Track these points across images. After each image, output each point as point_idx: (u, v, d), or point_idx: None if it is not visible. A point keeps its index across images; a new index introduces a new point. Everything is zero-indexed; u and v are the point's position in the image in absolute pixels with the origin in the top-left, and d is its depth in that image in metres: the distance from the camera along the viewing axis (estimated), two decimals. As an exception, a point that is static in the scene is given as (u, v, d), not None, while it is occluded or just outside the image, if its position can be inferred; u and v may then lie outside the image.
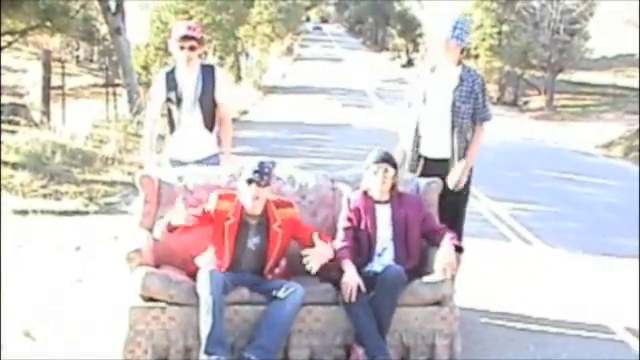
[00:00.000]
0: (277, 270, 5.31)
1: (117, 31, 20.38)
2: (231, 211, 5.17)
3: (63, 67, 25.35)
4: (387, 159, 5.49)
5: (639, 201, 11.18)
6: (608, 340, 6.07)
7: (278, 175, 5.89)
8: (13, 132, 15.13)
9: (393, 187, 5.51)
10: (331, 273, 5.23)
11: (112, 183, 11.71)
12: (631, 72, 38.52)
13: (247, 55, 39.25)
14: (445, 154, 6.02)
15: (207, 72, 6.28)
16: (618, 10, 40.62)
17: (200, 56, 6.32)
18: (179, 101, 6.20)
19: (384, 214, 5.49)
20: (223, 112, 6.42)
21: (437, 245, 5.36)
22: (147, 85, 24.68)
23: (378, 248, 5.43)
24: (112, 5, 20.14)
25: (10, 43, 20.07)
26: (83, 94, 30.70)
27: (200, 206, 5.29)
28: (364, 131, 18.95)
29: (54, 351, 5.41)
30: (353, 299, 5.02)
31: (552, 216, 10.97)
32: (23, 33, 19.61)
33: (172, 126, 6.36)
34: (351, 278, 5.08)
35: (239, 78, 33.69)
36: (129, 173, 12.00)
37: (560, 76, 35.49)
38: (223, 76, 6.69)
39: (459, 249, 5.33)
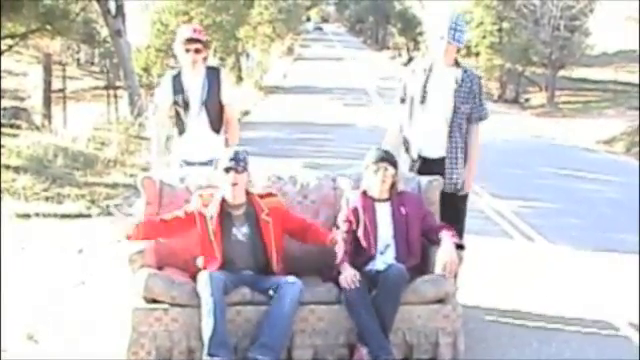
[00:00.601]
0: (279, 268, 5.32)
1: (117, 33, 20.40)
2: (212, 206, 5.24)
3: (64, 70, 25.43)
4: (386, 158, 5.50)
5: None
6: (612, 336, 6.06)
7: (279, 175, 5.91)
8: (15, 136, 15.15)
9: (393, 186, 5.51)
10: (333, 272, 5.23)
11: (114, 185, 11.72)
12: (632, 68, 38.43)
13: (248, 56, 39.26)
14: (442, 153, 6.03)
15: (212, 75, 6.30)
16: (618, 6, 40.58)
17: (205, 59, 6.33)
18: (186, 104, 6.23)
19: (384, 213, 5.49)
20: (229, 114, 6.45)
21: (437, 243, 5.36)
22: (148, 87, 24.72)
23: (379, 247, 5.43)
24: (112, 7, 20.17)
25: (11, 47, 20.07)
26: (84, 97, 30.75)
27: (182, 209, 5.34)
28: (366, 130, 18.92)
29: (57, 354, 5.42)
30: (354, 286, 5.03)
31: (554, 213, 10.96)
32: (24, 36, 19.61)
33: (180, 129, 6.38)
34: (348, 273, 5.10)
35: (240, 79, 33.69)
36: (131, 175, 12.00)
37: (561, 73, 35.43)
38: (228, 78, 6.71)
39: (460, 246, 5.33)
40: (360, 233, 5.44)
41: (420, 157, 6.06)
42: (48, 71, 26.38)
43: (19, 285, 6.85)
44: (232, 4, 28.78)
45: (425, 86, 5.99)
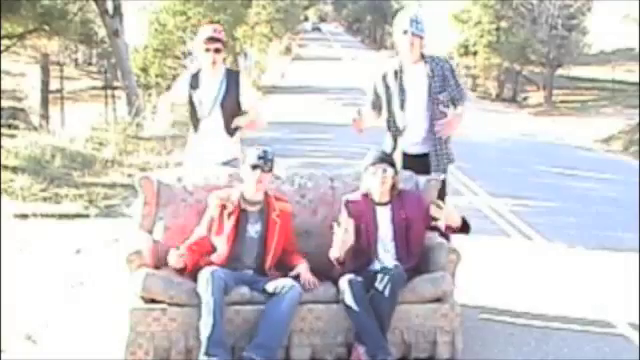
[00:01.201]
0: (273, 270, 5.33)
1: (115, 33, 20.40)
2: (230, 201, 5.30)
3: (62, 70, 25.43)
4: (385, 159, 5.48)
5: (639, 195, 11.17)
6: (609, 334, 6.06)
7: (277, 174, 5.91)
8: (12, 136, 15.14)
9: (393, 187, 5.49)
10: (332, 272, 5.24)
11: (112, 186, 11.71)
12: (630, 66, 38.51)
13: (245, 55, 39.23)
14: (425, 149, 6.08)
15: (231, 77, 6.27)
16: (616, 5, 40.61)
17: (225, 59, 6.31)
18: (201, 104, 6.20)
19: (385, 215, 5.47)
20: (254, 115, 6.42)
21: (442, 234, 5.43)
22: (146, 87, 24.74)
23: (379, 250, 5.42)
24: (110, 8, 20.17)
25: (8, 47, 20.08)
26: (82, 97, 30.76)
27: (205, 219, 5.37)
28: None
29: (55, 354, 5.42)
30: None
31: (552, 211, 10.97)
32: (21, 37, 19.62)
33: (195, 127, 6.35)
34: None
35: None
36: (129, 175, 11.99)
37: (559, 71, 35.52)
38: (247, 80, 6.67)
39: (466, 228, 5.33)
40: (360, 236, 5.42)
41: (402, 153, 6.09)
42: (46, 71, 26.39)
43: (17, 285, 6.85)
44: (230, 4, 28.80)
45: (402, 89, 6.04)
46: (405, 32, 5.97)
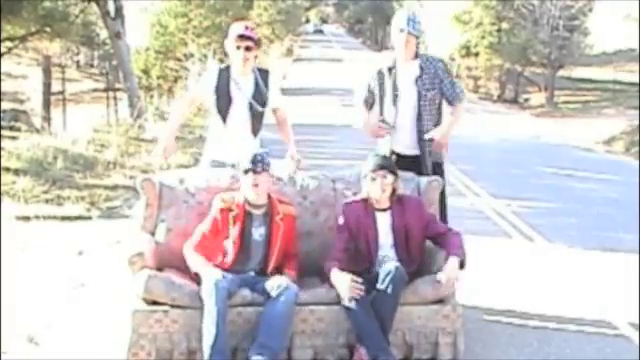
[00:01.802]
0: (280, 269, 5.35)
1: (117, 35, 20.40)
2: (234, 205, 5.30)
3: (63, 72, 25.45)
4: (385, 165, 5.42)
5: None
6: (611, 335, 6.06)
7: (279, 176, 5.91)
8: (14, 138, 15.16)
9: (393, 192, 5.46)
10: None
11: (114, 187, 11.72)
12: (631, 67, 38.48)
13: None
14: (415, 151, 6.11)
15: (263, 76, 6.11)
16: (617, 5, 40.61)
17: (256, 57, 6.11)
18: (229, 101, 6.00)
19: (385, 221, 5.45)
20: (282, 116, 6.34)
21: (442, 246, 5.37)
22: (148, 89, 24.76)
23: (379, 256, 5.41)
24: (111, 9, 20.16)
25: (10, 49, 20.10)
26: (84, 99, 30.79)
27: (207, 219, 5.36)
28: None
29: (57, 355, 5.43)
30: (360, 293, 5.02)
31: (554, 212, 10.97)
32: (23, 39, 19.63)
33: (219, 125, 6.10)
34: (344, 284, 5.07)
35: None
36: (131, 177, 11.99)
37: (560, 72, 35.51)
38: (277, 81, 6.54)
39: (461, 264, 5.31)
40: (360, 242, 5.41)
41: (393, 153, 6.10)
42: (47, 73, 26.42)
43: (19, 287, 6.86)
44: (231, 6, 28.81)
45: (394, 86, 6.07)
46: (401, 30, 6.00)
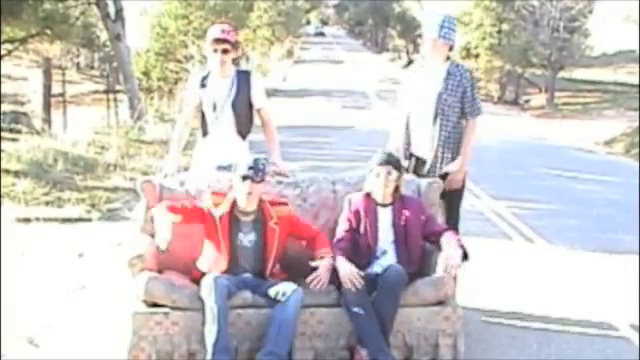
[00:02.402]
0: (275, 270, 5.34)
1: (117, 37, 20.42)
2: (223, 208, 5.24)
3: (64, 74, 25.45)
4: (391, 161, 5.46)
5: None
6: (612, 337, 6.06)
7: (279, 178, 5.92)
8: (14, 140, 15.15)
9: (396, 189, 5.49)
10: (334, 275, 5.24)
11: (114, 189, 11.72)
12: (632, 68, 38.49)
13: (247, 59, 39.27)
14: (430, 154, 6.08)
15: (242, 78, 6.15)
16: (617, 7, 40.62)
17: (234, 60, 6.18)
18: (213, 106, 6.08)
19: (386, 217, 5.47)
20: (265, 117, 6.32)
21: (439, 246, 5.37)
22: (148, 90, 24.77)
23: (378, 251, 5.43)
24: (112, 11, 20.18)
25: (10, 51, 20.11)
26: (84, 101, 30.80)
27: (193, 202, 5.35)
28: (366, 132, 18.95)
29: (57, 358, 5.43)
30: (357, 285, 5.03)
31: (554, 214, 10.97)
32: (23, 41, 19.64)
33: (204, 130, 6.23)
34: (347, 272, 5.09)
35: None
36: (131, 179, 11.99)
37: (561, 74, 35.48)
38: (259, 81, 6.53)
39: (465, 256, 5.31)
40: (360, 236, 5.44)
41: (412, 156, 6.09)
42: (48, 75, 26.44)
43: (20, 289, 6.86)
44: (231, 7, 28.84)
45: (417, 86, 6.05)
46: (434, 36, 5.94)
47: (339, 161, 13.67)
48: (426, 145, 6.08)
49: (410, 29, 61.52)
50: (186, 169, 6.60)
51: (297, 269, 5.40)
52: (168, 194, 5.68)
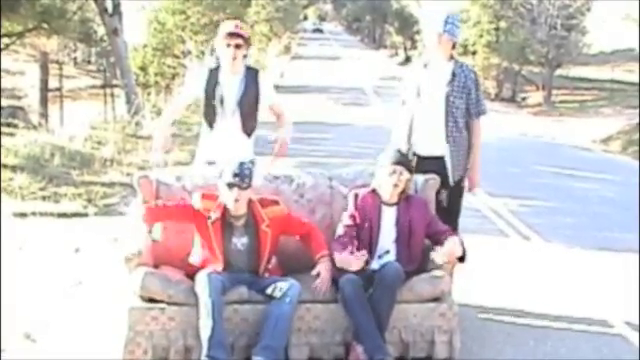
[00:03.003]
0: (269, 266, 5.34)
1: (114, 32, 20.37)
2: (213, 210, 5.19)
3: (61, 69, 25.35)
4: (404, 162, 5.47)
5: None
6: (607, 334, 6.08)
7: (275, 174, 5.91)
8: (11, 135, 15.12)
9: (403, 190, 5.50)
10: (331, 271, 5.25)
11: (111, 184, 11.71)
12: (629, 67, 38.52)
13: (245, 55, 39.16)
14: (439, 151, 6.03)
15: (251, 75, 6.12)
16: (615, 5, 40.61)
17: (245, 56, 6.11)
18: (220, 101, 6.03)
19: (390, 216, 5.48)
20: (278, 111, 6.30)
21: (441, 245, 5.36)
22: (145, 86, 24.71)
23: (380, 250, 5.43)
24: (109, 6, 20.14)
25: (7, 45, 20.07)
26: (81, 96, 30.72)
27: (183, 201, 5.34)
28: (363, 129, 18.95)
29: (54, 352, 5.43)
30: (353, 268, 5.05)
31: (551, 211, 10.98)
32: (20, 35, 19.61)
33: (210, 126, 6.15)
34: (343, 258, 5.12)
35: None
36: (128, 174, 11.97)
37: (558, 72, 35.47)
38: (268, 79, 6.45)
39: (462, 258, 5.32)
40: (363, 233, 5.44)
41: (415, 155, 6.07)
42: (45, 70, 26.35)
43: (16, 284, 6.85)
44: (229, 3, 28.74)
45: (424, 87, 6.02)
46: (438, 32, 5.94)
47: (336, 157, 13.66)
48: (433, 146, 6.06)
49: (408, 26, 61.38)
50: (185, 164, 6.57)
51: (293, 264, 5.41)
52: (165, 189, 5.68)
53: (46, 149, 13.24)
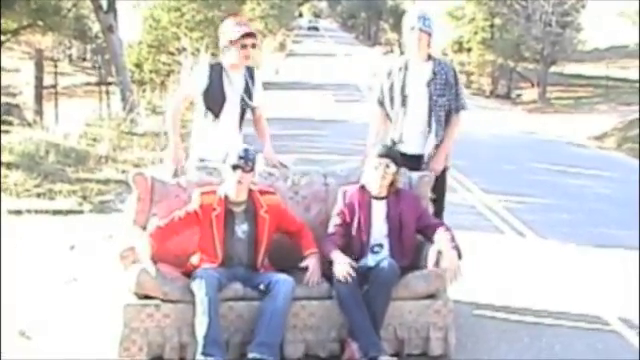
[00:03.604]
0: (265, 263, 5.36)
1: (109, 29, 20.37)
2: (215, 203, 5.24)
3: (56, 66, 25.38)
4: (390, 155, 5.48)
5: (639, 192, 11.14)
6: (602, 331, 6.08)
7: (271, 171, 5.91)
8: (6, 132, 15.11)
9: (392, 184, 5.50)
10: (325, 268, 5.25)
11: (106, 182, 11.71)
12: (624, 63, 38.60)
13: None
14: (421, 150, 6.08)
15: (250, 73, 6.11)
16: (610, 2, 40.67)
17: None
18: (223, 98, 5.99)
19: (380, 210, 5.49)
20: (258, 112, 6.25)
21: (432, 240, 5.37)
22: (140, 83, 24.72)
23: (372, 245, 5.44)
24: (104, 3, 20.13)
25: (2, 43, 20.02)
26: (76, 93, 30.71)
27: (183, 209, 5.32)
28: (358, 125, 18.91)
29: (49, 350, 5.42)
30: (349, 279, 5.05)
31: (546, 208, 10.99)
32: (15, 32, 19.60)
33: (208, 122, 6.07)
34: (342, 265, 5.10)
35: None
36: (123, 171, 11.98)
37: (553, 68, 35.54)
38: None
39: (458, 254, 5.32)
40: (354, 229, 5.44)
41: (400, 154, 6.07)
42: (40, 67, 26.32)
43: (11, 281, 6.84)
44: (224, 0, 28.75)
45: (403, 86, 6.03)
46: (412, 28, 5.98)
47: (331, 154, 13.65)
48: (419, 144, 6.07)
49: (402, 23, 61.48)
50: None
51: (286, 261, 5.41)
52: (160, 186, 5.67)
53: (41, 146, 13.23)
